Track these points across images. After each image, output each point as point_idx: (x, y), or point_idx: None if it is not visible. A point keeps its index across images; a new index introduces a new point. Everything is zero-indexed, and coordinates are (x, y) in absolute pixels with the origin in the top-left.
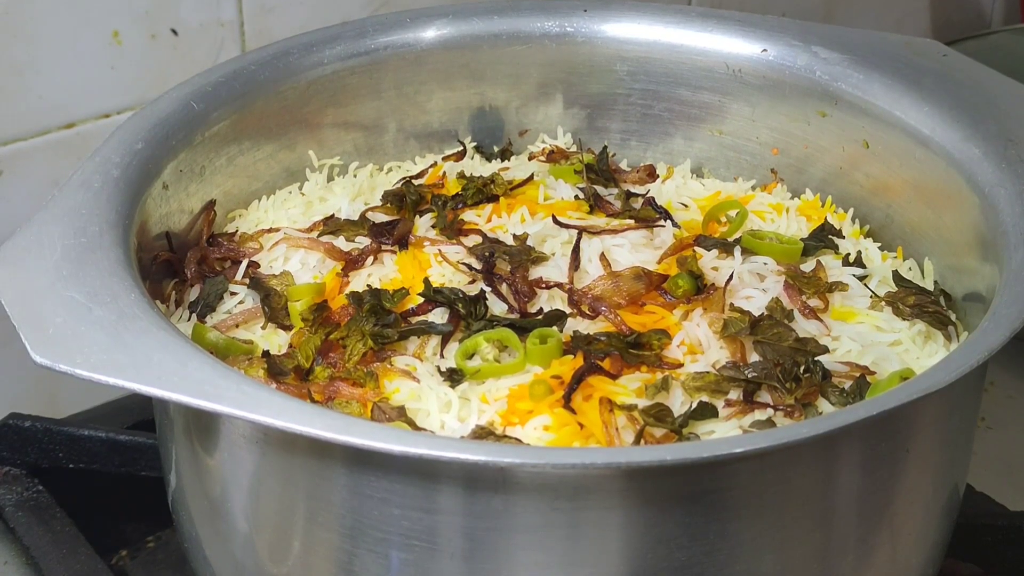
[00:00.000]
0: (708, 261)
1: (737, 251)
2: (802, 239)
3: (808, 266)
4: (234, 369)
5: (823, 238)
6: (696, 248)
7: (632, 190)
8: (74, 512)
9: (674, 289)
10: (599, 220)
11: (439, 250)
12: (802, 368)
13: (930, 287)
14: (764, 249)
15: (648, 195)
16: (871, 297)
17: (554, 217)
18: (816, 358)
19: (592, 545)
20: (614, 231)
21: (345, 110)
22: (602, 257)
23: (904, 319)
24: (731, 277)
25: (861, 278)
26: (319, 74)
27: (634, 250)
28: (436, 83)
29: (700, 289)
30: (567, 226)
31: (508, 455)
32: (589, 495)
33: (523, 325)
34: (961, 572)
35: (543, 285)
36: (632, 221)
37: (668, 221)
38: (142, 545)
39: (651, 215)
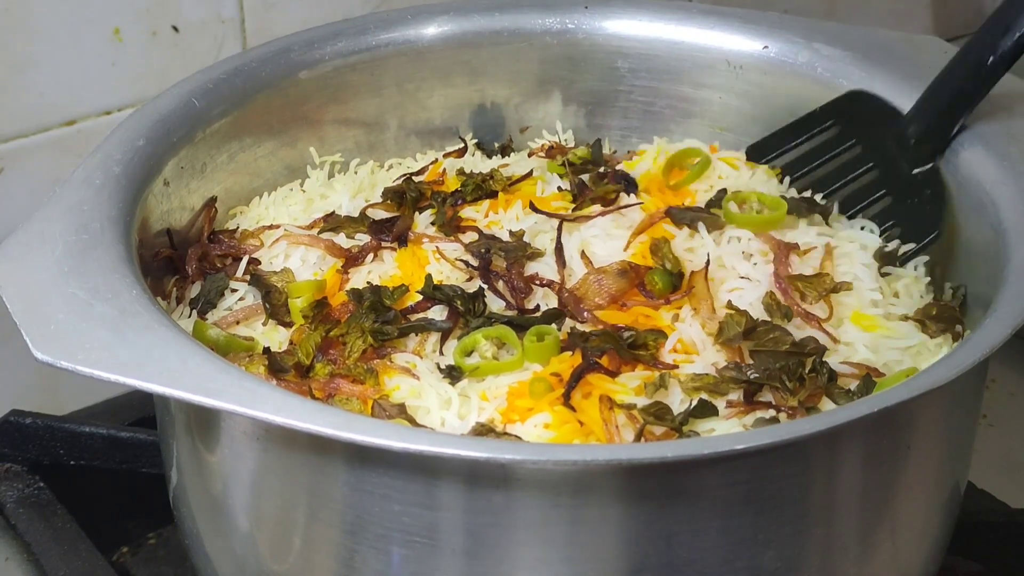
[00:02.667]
0: (681, 243)
1: (703, 230)
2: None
3: (810, 259)
4: (235, 366)
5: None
6: (667, 227)
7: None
8: (75, 509)
9: (652, 286)
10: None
11: (436, 247)
12: (807, 368)
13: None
14: (743, 221)
15: (616, 170)
16: (899, 317)
17: (532, 205)
18: (823, 359)
19: (593, 542)
20: (588, 216)
21: (346, 107)
22: (583, 254)
23: (932, 337)
24: (708, 263)
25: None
26: (320, 71)
27: (608, 238)
28: (437, 80)
29: (679, 281)
30: (540, 212)
31: (509, 452)
32: (590, 492)
33: (520, 322)
34: (962, 569)
35: (538, 282)
36: (598, 206)
37: (631, 192)
38: (143, 542)
39: (608, 192)
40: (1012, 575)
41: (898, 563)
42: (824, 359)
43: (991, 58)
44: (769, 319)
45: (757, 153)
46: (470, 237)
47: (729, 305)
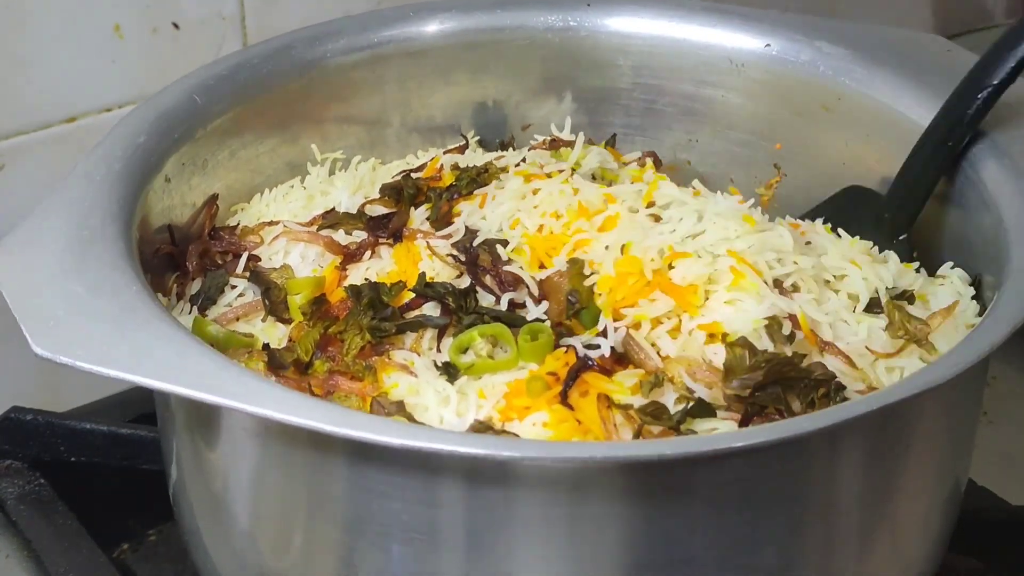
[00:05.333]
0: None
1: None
2: None
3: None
4: (234, 362)
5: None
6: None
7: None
8: (76, 505)
9: (579, 329)
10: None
11: (427, 243)
12: (820, 392)
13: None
14: None
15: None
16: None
17: None
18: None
19: (592, 539)
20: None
21: (348, 104)
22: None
23: None
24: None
25: None
26: (322, 68)
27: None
28: (439, 77)
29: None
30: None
31: (508, 449)
32: (589, 489)
33: (514, 320)
34: (962, 567)
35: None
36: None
37: None
38: (144, 538)
39: None
40: (1013, 572)
41: (898, 560)
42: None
43: (950, 138)
44: (772, 343)
45: None
46: (456, 230)
47: (724, 339)
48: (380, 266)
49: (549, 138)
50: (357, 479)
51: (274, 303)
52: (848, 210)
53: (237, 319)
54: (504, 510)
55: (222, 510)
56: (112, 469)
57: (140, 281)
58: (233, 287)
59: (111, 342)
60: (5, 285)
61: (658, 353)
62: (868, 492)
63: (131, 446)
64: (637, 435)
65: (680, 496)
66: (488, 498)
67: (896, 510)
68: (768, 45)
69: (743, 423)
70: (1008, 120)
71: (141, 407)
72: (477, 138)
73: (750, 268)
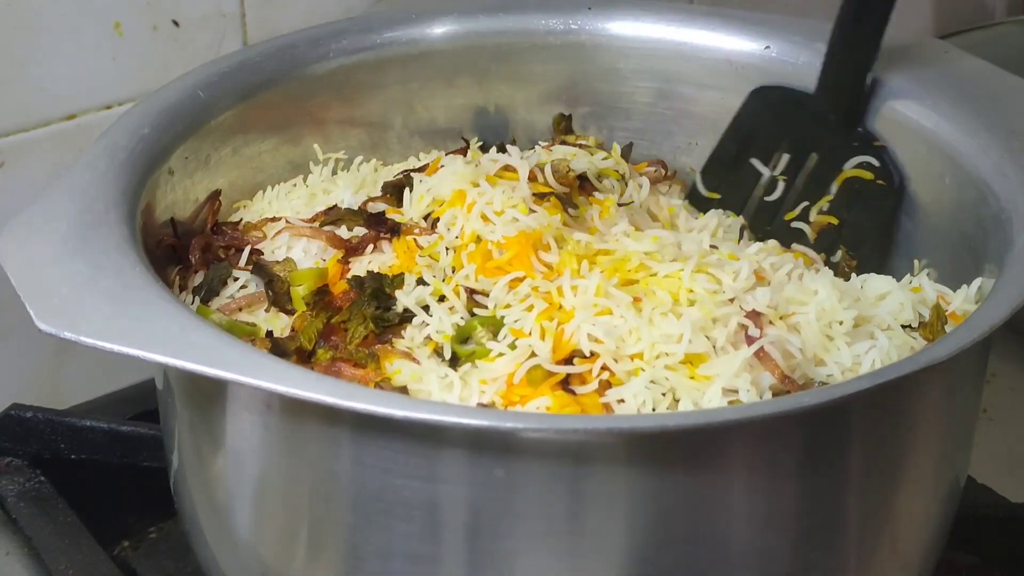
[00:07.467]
0: None
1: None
2: None
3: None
4: (238, 339)
5: None
6: None
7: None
8: (76, 503)
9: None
10: None
11: (414, 239)
12: None
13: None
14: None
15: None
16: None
17: None
18: None
19: (595, 515)
20: None
21: (350, 105)
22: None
23: None
24: None
25: None
26: (325, 68)
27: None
28: (441, 80)
29: None
30: None
31: (510, 420)
32: (591, 463)
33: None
34: (961, 563)
35: None
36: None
37: None
38: (144, 536)
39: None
40: (1012, 569)
41: (898, 557)
42: None
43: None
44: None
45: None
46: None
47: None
48: (382, 260)
49: (556, 141)
50: (359, 456)
51: (277, 294)
52: (772, 116)
53: (240, 309)
54: (506, 486)
55: (222, 492)
56: (112, 466)
57: (143, 262)
58: (236, 279)
59: (114, 317)
60: (9, 265)
61: None
62: (867, 486)
63: (131, 443)
64: None
65: (680, 471)
66: (490, 473)
67: (896, 507)
68: (768, 47)
69: None
70: (1010, 116)
71: (141, 404)
72: (480, 143)
73: None
